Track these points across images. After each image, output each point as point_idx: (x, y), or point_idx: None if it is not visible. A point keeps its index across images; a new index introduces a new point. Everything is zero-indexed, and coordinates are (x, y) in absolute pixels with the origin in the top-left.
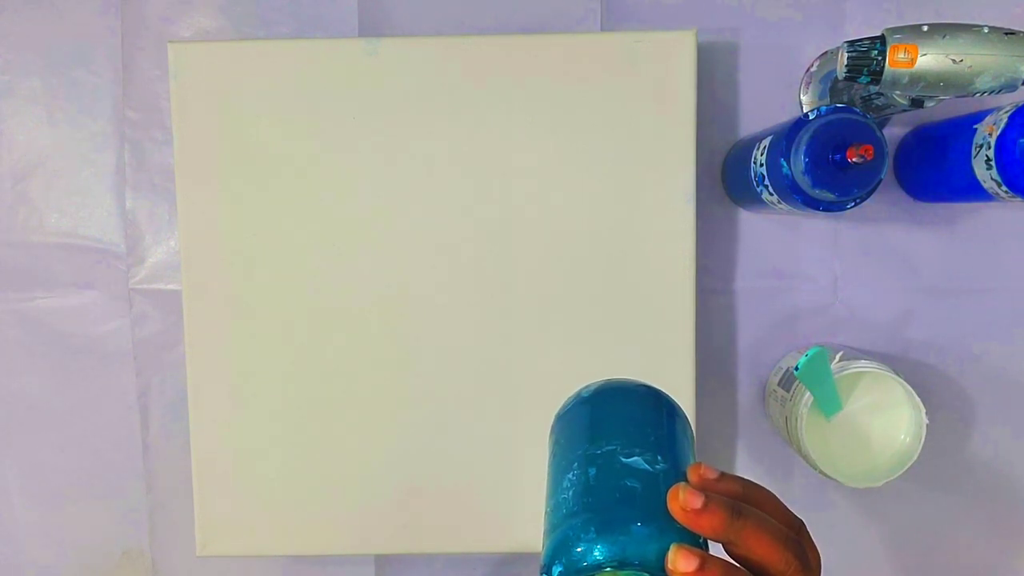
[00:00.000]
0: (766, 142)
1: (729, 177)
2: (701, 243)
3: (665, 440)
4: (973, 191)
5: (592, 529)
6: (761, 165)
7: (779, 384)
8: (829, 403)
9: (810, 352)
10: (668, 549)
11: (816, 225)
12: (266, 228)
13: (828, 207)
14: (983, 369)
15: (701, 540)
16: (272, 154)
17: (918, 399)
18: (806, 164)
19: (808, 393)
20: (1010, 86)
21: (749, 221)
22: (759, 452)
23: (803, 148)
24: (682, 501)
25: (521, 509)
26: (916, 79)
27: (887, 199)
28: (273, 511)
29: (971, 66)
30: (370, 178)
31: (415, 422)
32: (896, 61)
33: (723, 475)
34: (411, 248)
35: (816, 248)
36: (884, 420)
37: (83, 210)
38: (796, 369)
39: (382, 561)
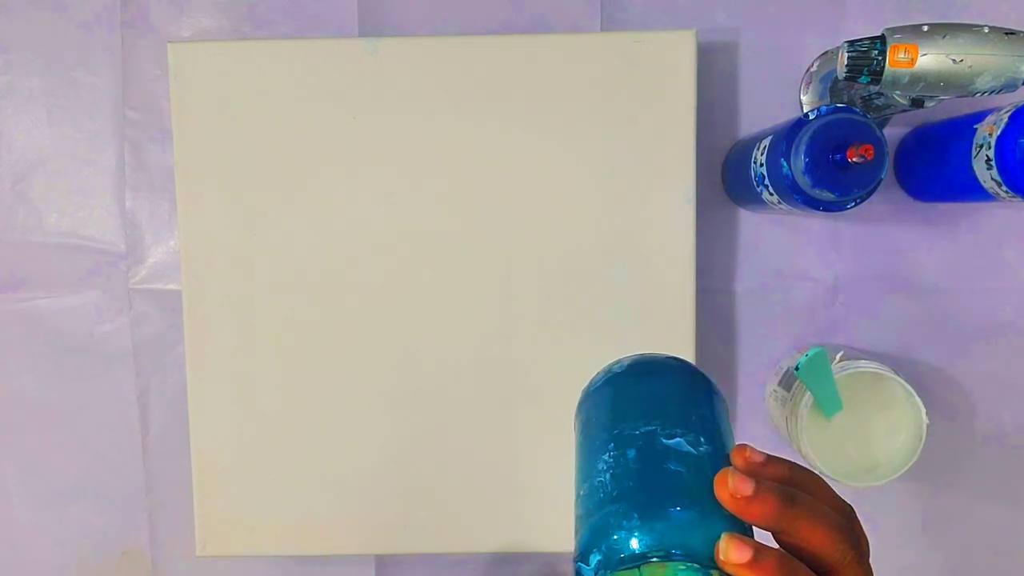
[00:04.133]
0: (766, 142)
1: (729, 177)
2: (701, 243)
3: (706, 420)
4: (973, 191)
5: (635, 516)
6: (761, 165)
7: (779, 384)
8: (829, 403)
9: (810, 352)
10: (715, 538)
11: (816, 225)
12: (266, 228)
13: (828, 207)
14: (983, 369)
15: (747, 527)
16: (272, 154)
17: (918, 399)
18: (806, 164)
19: (808, 393)
20: (1010, 86)
21: (749, 221)
22: None
23: (803, 148)
24: (731, 487)
25: (521, 509)
26: (916, 79)
27: (887, 199)
28: (273, 511)
29: (971, 66)
30: (370, 178)
31: (415, 422)
32: (896, 61)
33: (770, 458)
34: (410, 248)
35: (816, 248)
36: (884, 420)
37: (83, 210)
38: (796, 369)
39: (382, 561)
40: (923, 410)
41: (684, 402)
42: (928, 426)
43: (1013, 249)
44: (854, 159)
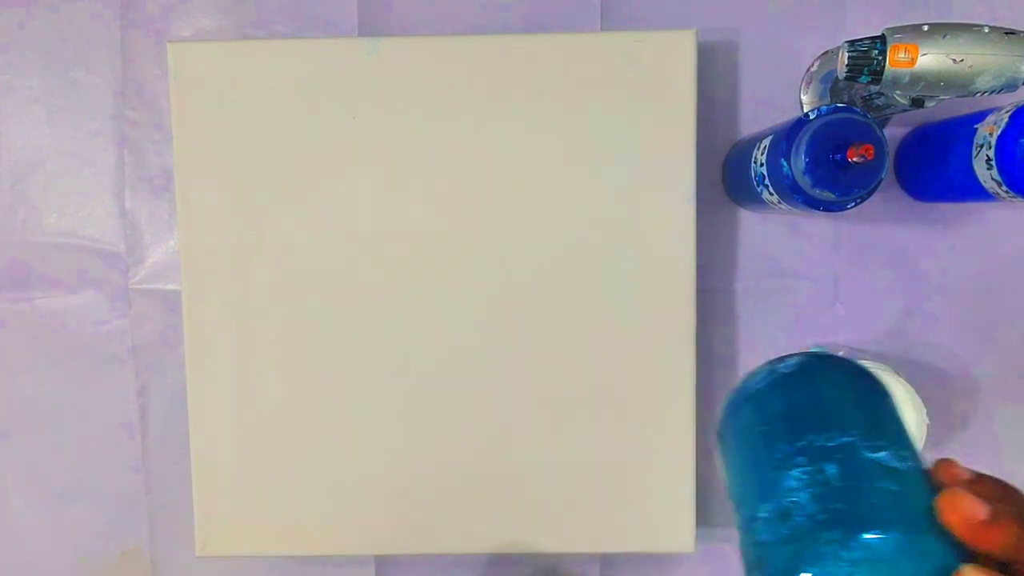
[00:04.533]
0: (766, 142)
1: (729, 177)
2: (701, 243)
3: (900, 429)
4: (973, 191)
5: (855, 547)
6: (761, 165)
7: None
8: None
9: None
10: (946, 568)
11: (816, 225)
12: (266, 228)
13: (828, 207)
14: (983, 369)
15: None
16: (272, 154)
17: (919, 399)
18: (806, 164)
19: None
20: (1010, 86)
21: (749, 221)
22: None
23: (803, 148)
24: (965, 511)
25: (521, 509)
26: (916, 79)
27: (887, 199)
28: (273, 511)
29: (971, 66)
30: (370, 178)
31: (415, 422)
32: (896, 61)
33: (978, 475)
34: (410, 248)
35: (816, 248)
36: None
37: (83, 210)
38: None
39: (382, 561)
40: (923, 410)
41: (874, 409)
42: (928, 426)
43: (1013, 249)
44: (854, 159)
